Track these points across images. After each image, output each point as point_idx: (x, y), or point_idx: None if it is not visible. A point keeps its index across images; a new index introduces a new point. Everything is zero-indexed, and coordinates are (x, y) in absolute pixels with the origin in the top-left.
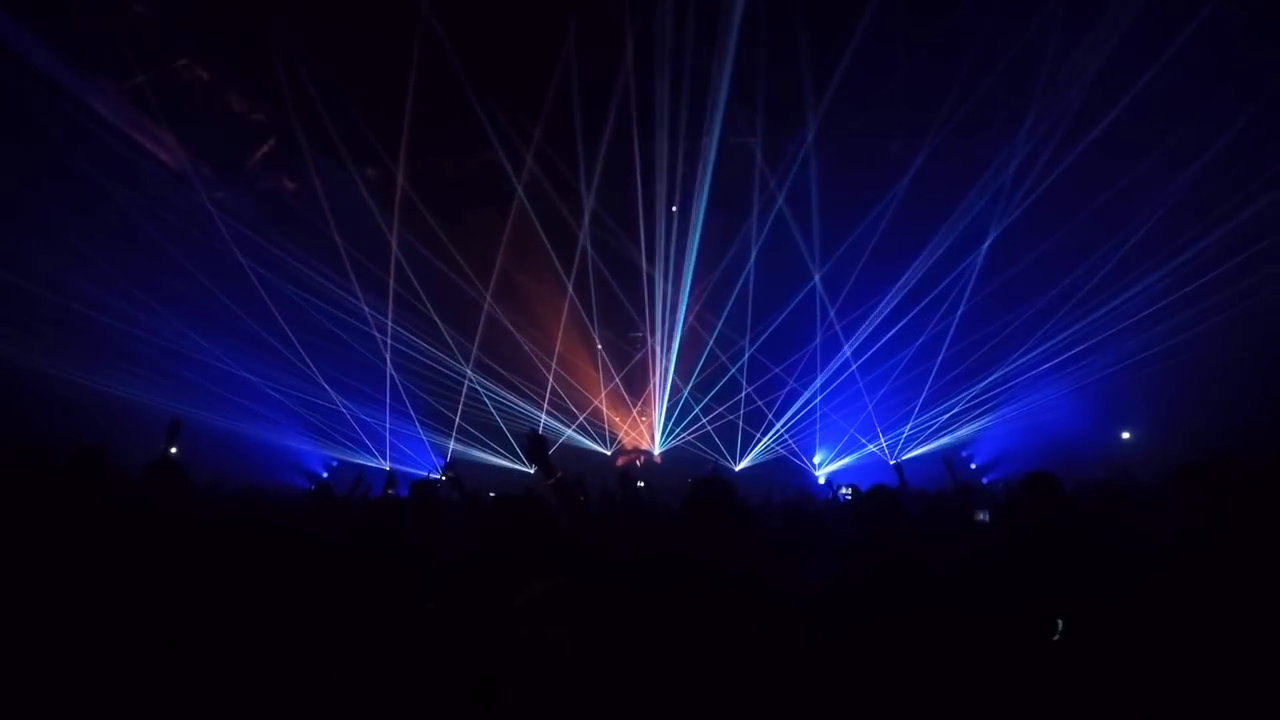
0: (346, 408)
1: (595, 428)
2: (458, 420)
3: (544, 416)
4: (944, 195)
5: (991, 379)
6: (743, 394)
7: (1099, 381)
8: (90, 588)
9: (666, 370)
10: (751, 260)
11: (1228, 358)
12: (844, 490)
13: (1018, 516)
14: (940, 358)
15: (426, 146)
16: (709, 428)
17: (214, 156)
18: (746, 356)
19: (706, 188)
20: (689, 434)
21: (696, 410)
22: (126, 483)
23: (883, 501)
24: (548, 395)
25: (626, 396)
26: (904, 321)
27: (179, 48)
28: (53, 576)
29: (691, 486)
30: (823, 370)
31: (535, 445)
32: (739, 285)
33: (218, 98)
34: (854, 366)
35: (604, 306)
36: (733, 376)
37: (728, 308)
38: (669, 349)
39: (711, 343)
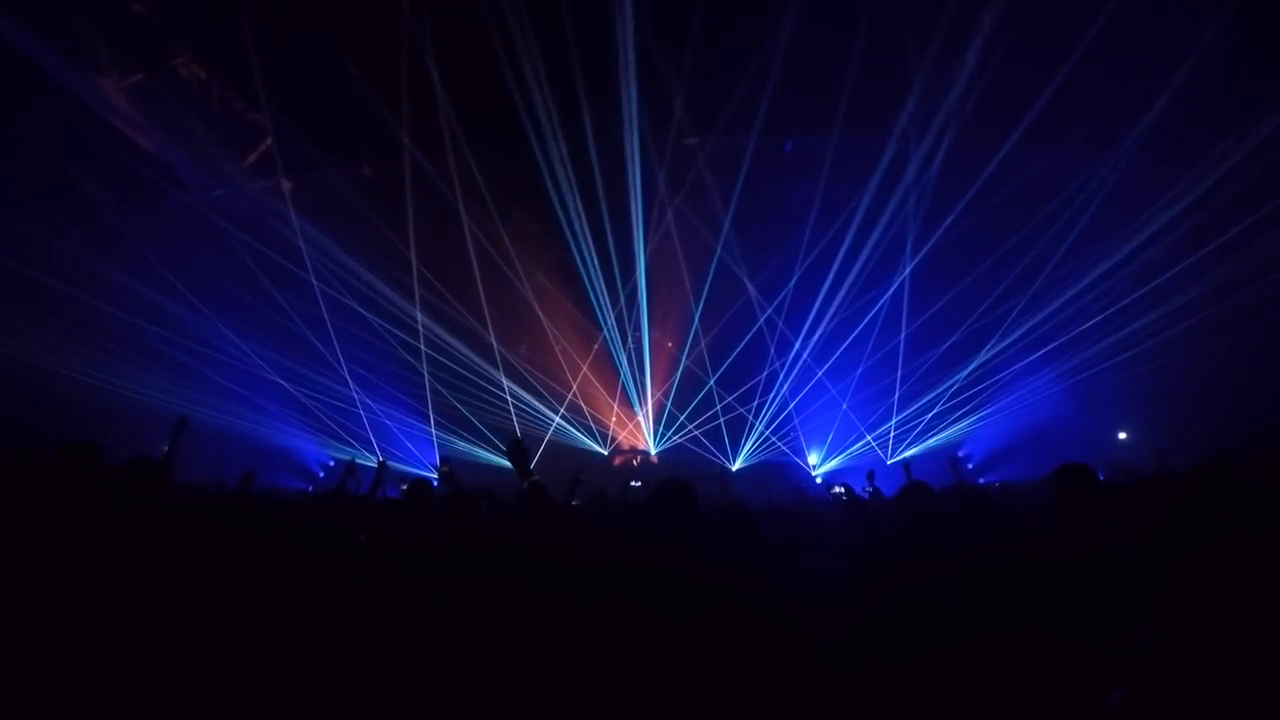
0: (342, 402)
1: (588, 425)
2: (432, 414)
3: (510, 411)
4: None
5: (985, 369)
6: (752, 384)
7: (1097, 379)
8: (79, 587)
9: (643, 369)
10: (720, 243)
11: (1227, 354)
12: (836, 489)
13: (1058, 520)
14: (955, 353)
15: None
16: (719, 421)
17: (210, 154)
18: (739, 350)
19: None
20: (691, 428)
21: (700, 401)
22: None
23: (924, 496)
24: (514, 391)
25: (623, 396)
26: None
27: (187, 45)
28: (41, 575)
29: (654, 491)
30: (822, 367)
31: (515, 452)
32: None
33: (219, 95)
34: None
35: (604, 305)
36: (730, 375)
37: (703, 298)
38: (663, 349)
39: (696, 331)
